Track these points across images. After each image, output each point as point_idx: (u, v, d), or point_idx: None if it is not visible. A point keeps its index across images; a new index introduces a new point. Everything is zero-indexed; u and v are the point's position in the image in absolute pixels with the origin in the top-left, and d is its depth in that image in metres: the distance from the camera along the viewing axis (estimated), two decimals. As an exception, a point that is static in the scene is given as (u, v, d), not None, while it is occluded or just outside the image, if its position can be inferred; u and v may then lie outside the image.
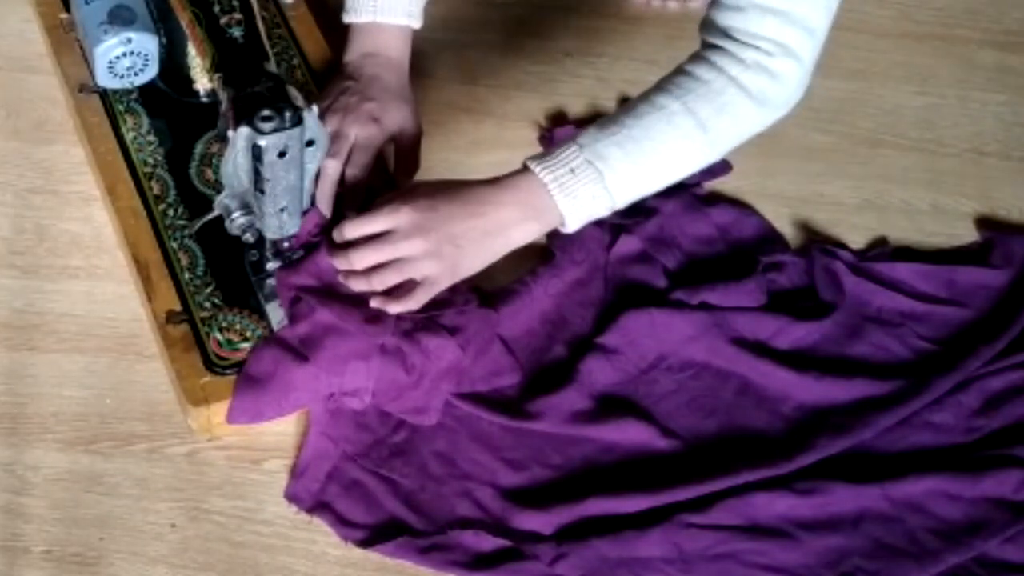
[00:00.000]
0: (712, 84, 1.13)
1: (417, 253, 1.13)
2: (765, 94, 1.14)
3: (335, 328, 1.15)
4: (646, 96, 1.15)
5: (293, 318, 1.17)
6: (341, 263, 1.16)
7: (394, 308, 1.15)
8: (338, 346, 1.15)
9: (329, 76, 1.35)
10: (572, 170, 1.13)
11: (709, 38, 1.15)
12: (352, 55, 1.30)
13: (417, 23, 1.30)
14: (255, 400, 1.14)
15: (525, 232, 1.15)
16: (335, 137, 1.24)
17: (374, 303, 1.15)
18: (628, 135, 1.13)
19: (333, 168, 1.23)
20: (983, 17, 1.59)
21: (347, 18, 1.30)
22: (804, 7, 1.11)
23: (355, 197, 1.23)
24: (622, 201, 1.15)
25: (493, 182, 1.15)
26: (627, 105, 1.16)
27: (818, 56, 1.15)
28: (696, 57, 1.16)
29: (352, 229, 1.15)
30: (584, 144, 1.13)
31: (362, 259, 1.14)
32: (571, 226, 1.15)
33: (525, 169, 1.15)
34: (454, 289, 1.20)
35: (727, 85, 1.13)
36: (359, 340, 1.15)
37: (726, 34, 1.13)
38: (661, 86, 1.16)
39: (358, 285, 1.15)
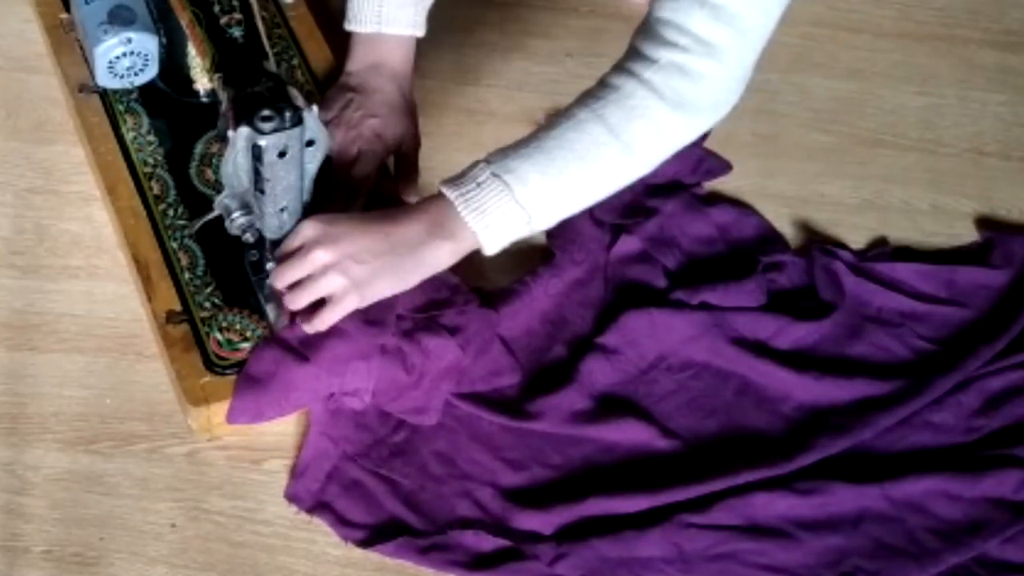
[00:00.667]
0: (622, 88, 1.10)
1: (318, 267, 1.10)
2: (681, 95, 1.08)
3: (335, 328, 1.15)
4: (561, 111, 1.12)
5: (293, 318, 1.17)
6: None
7: (308, 328, 1.13)
8: (338, 346, 1.14)
9: (329, 77, 1.35)
10: (478, 184, 1.09)
11: (635, 39, 1.11)
12: (355, 64, 1.30)
13: (421, 32, 1.30)
14: (255, 400, 1.14)
15: (437, 252, 1.11)
16: (340, 156, 1.24)
17: (298, 320, 1.14)
18: (537, 147, 1.10)
19: (340, 189, 1.23)
20: (983, 17, 1.59)
21: (350, 27, 1.30)
22: (739, 4, 1.06)
23: (356, 207, 1.24)
24: (540, 216, 1.11)
25: (405, 205, 1.14)
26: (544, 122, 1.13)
27: (752, 60, 1.10)
28: (614, 66, 1.13)
29: (280, 251, 1.14)
30: (492, 160, 1.11)
31: (277, 279, 1.13)
32: (487, 245, 1.11)
33: (438, 193, 1.12)
34: (454, 289, 1.20)
35: (637, 88, 1.09)
36: (359, 340, 1.15)
37: (652, 29, 1.09)
38: (577, 99, 1.12)
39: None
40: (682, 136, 1.13)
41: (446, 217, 1.11)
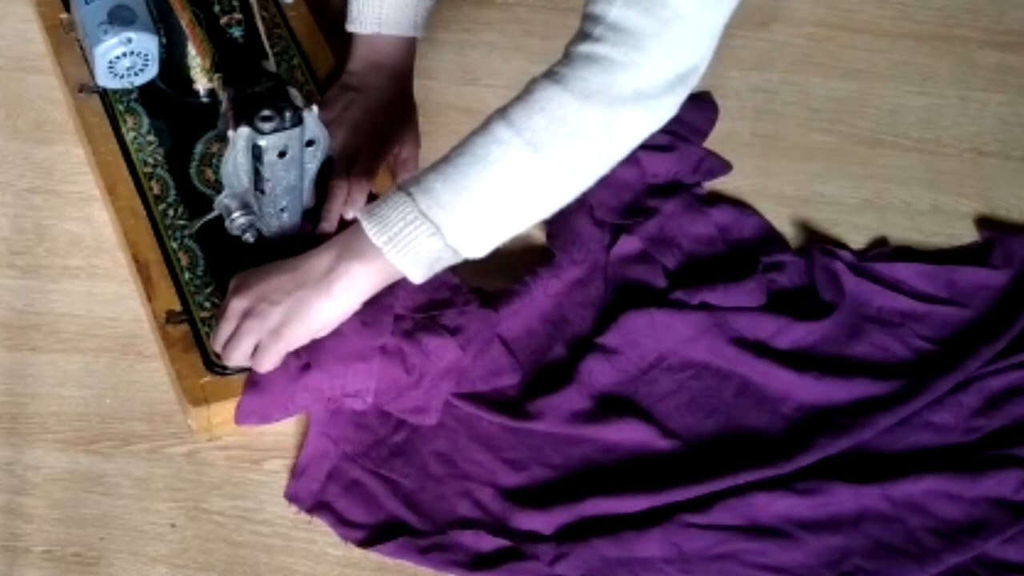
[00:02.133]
0: (529, 87, 1.06)
1: (238, 316, 1.11)
2: (588, 84, 1.03)
3: (336, 330, 1.15)
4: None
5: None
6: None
7: (255, 367, 1.13)
8: (340, 348, 1.14)
9: (329, 77, 1.35)
10: (384, 200, 1.08)
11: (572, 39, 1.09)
12: (356, 64, 1.30)
13: (422, 33, 1.30)
14: (262, 402, 1.14)
15: (350, 277, 1.09)
16: (341, 154, 1.24)
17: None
18: (444, 158, 1.08)
19: (341, 189, 1.23)
20: (983, 17, 1.59)
21: (350, 28, 1.30)
22: None
23: (357, 208, 1.24)
24: (452, 229, 1.06)
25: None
26: None
27: (689, 51, 1.04)
28: None
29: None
30: (405, 182, 1.09)
31: (215, 342, 1.14)
32: (400, 263, 1.08)
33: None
34: (454, 289, 1.20)
35: (542, 83, 1.05)
36: (360, 341, 1.15)
37: (579, 27, 1.06)
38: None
39: None
40: (599, 129, 1.05)
41: (354, 238, 1.10)
